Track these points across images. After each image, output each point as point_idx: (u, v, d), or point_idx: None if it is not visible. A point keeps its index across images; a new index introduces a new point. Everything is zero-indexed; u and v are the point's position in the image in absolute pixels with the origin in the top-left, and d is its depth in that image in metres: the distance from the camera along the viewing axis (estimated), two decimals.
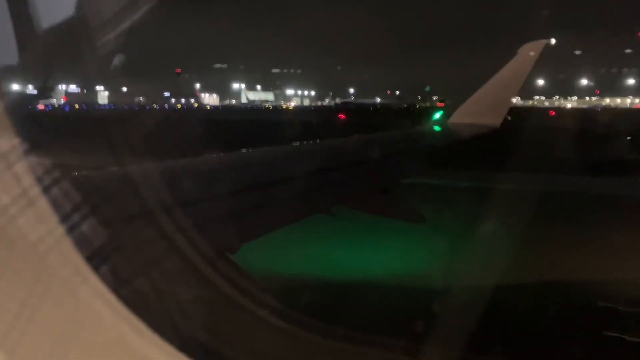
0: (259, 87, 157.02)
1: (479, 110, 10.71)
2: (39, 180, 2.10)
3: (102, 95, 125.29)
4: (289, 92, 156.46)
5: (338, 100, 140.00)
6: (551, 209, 15.12)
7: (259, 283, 3.84)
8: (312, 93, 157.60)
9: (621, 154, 26.20)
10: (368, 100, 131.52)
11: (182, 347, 2.19)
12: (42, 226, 2.03)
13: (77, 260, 2.07)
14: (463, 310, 7.15)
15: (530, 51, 10.80)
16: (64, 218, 2.11)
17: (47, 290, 1.99)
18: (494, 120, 10.63)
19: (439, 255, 11.19)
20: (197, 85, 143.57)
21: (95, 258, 2.13)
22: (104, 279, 2.10)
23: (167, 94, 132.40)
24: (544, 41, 11.14)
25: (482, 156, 18.56)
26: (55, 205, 2.11)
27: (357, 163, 7.20)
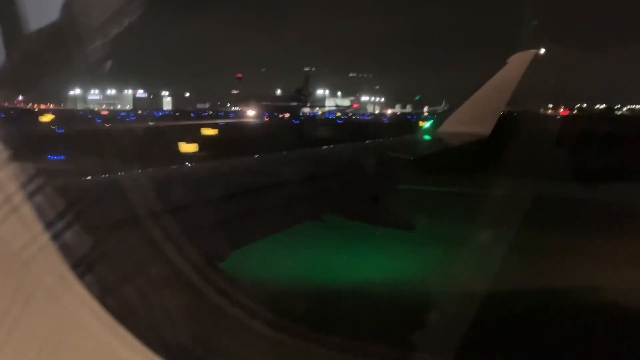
0: (339, 93, 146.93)
1: (469, 119, 10.76)
2: (23, 186, 2.07)
3: (166, 100, 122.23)
4: (364, 98, 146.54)
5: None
6: (539, 214, 15.22)
7: (247, 291, 3.82)
8: (382, 99, 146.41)
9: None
10: None
11: (168, 356, 2.16)
12: (26, 233, 2.00)
13: (61, 267, 2.04)
14: (454, 318, 7.14)
15: (519, 61, 10.89)
16: (48, 225, 2.08)
17: (30, 298, 1.95)
18: (484, 129, 10.69)
19: (427, 262, 11.21)
20: (278, 92, 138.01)
21: (81, 265, 2.10)
22: (89, 286, 2.07)
23: None
24: (533, 51, 11.23)
25: (472, 163, 18.70)
26: (40, 212, 2.07)
27: (347, 170, 7.20)
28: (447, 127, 10.87)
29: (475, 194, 18.13)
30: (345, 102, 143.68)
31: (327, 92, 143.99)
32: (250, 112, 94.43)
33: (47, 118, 71.47)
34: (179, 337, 2.62)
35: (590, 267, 11.20)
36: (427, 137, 10.97)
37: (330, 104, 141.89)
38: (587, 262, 11.54)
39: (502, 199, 15.36)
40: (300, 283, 9.76)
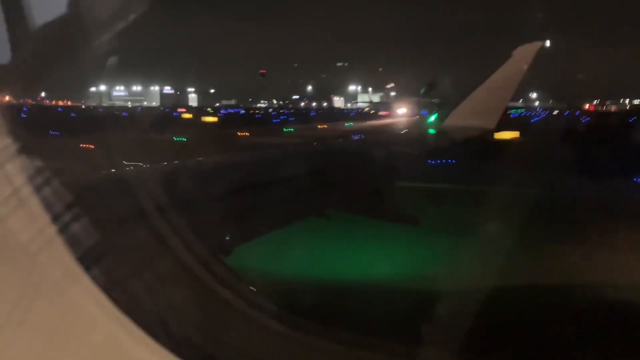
0: (370, 89, 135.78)
1: (474, 113, 10.75)
2: (31, 180, 2.09)
3: (192, 97, 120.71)
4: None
5: None
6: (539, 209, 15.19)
7: (251, 285, 3.84)
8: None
9: None
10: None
11: (173, 349, 2.17)
12: (33, 226, 2.02)
13: (68, 260, 2.05)
14: (461, 312, 7.15)
15: (525, 53, 10.86)
16: (55, 218, 2.10)
17: (37, 291, 1.97)
18: (489, 122, 10.69)
19: (431, 257, 11.20)
20: (309, 88, 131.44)
21: (87, 258, 2.12)
22: (96, 279, 2.09)
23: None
24: (538, 43, 11.19)
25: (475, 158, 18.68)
26: (47, 205, 2.09)
27: (350, 165, 7.22)
28: (452, 121, 10.86)
29: (479, 191, 18.08)
30: (375, 98, 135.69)
31: (359, 87, 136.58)
32: (401, 110, 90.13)
33: (211, 119, 61.05)
34: (185, 330, 2.64)
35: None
36: (431, 131, 10.96)
37: (363, 99, 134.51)
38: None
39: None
40: (305, 277, 9.78)
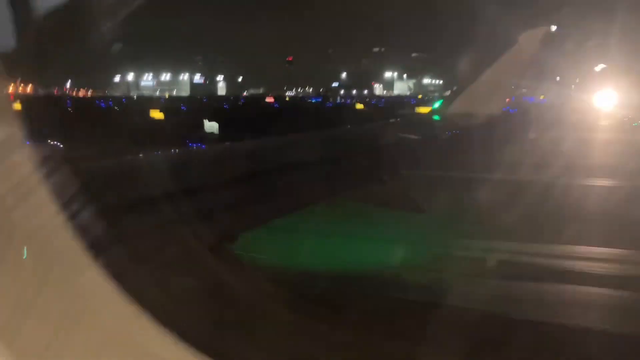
0: (405, 75, 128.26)
1: (479, 99, 10.68)
2: (39, 168, 2.10)
3: (221, 85, 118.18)
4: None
5: None
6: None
7: (256, 272, 3.85)
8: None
9: None
10: None
11: (180, 336, 2.19)
12: (41, 215, 2.02)
13: (76, 249, 2.06)
14: (468, 298, 7.14)
15: (531, 39, 10.77)
16: (64, 206, 2.11)
17: (46, 280, 1.98)
18: (495, 109, 10.62)
19: (437, 245, 11.18)
20: (344, 75, 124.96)
21: (95, 247, 2.13)
22: (104, 267, 2.10)
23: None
24: (544, 28, 11.10)
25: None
26: (55, 193, 2.10)
27: (357, 152, 7.19)
28: (458, 107, 10.81)
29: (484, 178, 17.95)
30: (411, 85, 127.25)
31: (395, 74, 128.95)
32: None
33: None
34: (191, 317, 2.65)
35: None
36: (436, 117, 10.91)
37: (399, 87, 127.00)
38: None
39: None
40: (310, 265, 9.80)
